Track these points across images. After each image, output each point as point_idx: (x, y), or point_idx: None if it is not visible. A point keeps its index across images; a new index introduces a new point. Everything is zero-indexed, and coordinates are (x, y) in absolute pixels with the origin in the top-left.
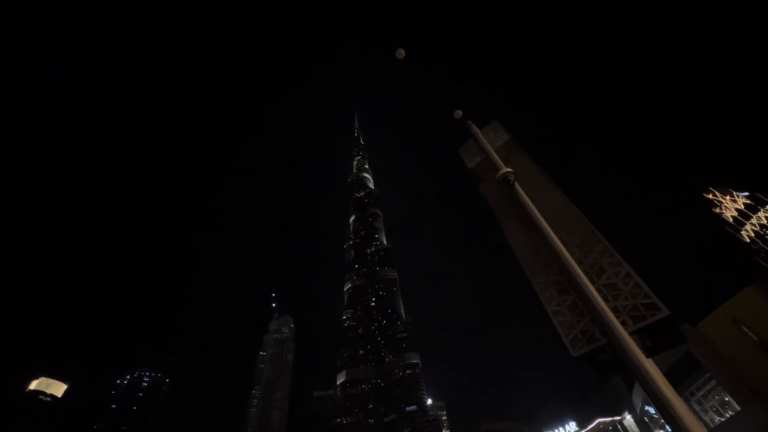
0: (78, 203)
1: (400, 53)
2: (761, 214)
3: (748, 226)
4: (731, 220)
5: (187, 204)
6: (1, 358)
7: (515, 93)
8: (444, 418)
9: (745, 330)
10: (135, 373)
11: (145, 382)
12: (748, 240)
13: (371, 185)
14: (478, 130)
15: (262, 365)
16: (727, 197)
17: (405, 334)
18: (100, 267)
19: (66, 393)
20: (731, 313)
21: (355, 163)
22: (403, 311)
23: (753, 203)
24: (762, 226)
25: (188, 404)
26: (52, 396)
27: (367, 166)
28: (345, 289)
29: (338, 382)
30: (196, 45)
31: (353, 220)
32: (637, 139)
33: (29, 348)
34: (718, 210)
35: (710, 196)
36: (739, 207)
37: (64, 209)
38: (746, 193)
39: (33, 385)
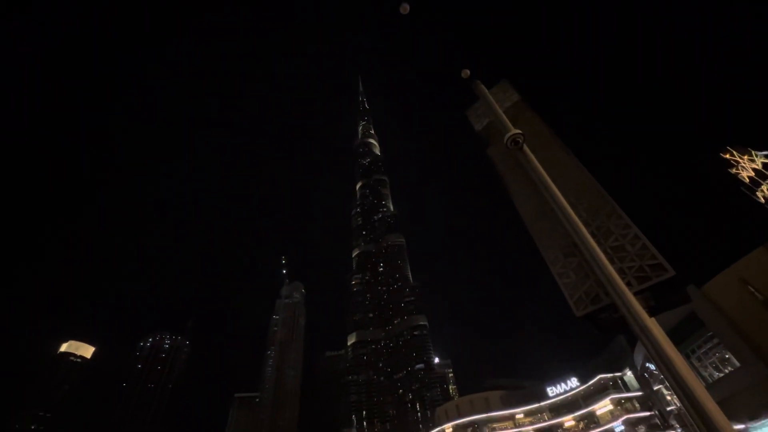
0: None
1: (405, 8)
2: None
3: (764, 187)
4: (747, 180)
5: (196, 182)
6: (32, 323)
7: (524, 50)
8: (450, 375)
9: (752, 290)
10: (156, 336)
11: (167, 344)
12: (763, 201)
13: (377, 151)
14: (486, 91)
15: (275, 328)
16: (745, 156)
17: (412, 298)
18: (121, 240)
19: (94, 354)
20: (739, 274)
21: (360, 128)
22: (410, 275)
23: None
24: None
25: (208, 364)
26: (81, 357)
27: (372, 132)
28: (353, 255)
29: (349, 343)
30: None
31: (360, 187)
32: (653, 96)
33: (56, 313)
34: (734, 170)
35: (727, 155)
36: (756, 166)
37: (108, 170)
38: (766, 152)
39: (63, 348)
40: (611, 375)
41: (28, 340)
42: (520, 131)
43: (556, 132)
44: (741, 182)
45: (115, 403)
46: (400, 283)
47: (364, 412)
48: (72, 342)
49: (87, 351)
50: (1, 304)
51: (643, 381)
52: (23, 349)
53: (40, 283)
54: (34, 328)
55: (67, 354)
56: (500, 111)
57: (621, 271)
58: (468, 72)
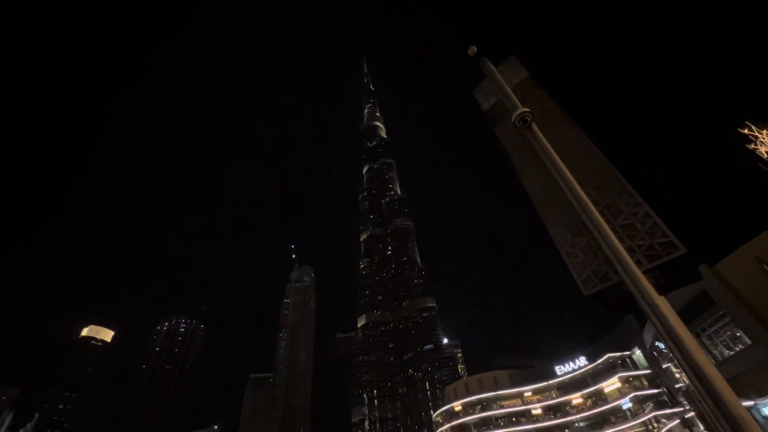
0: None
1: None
2: None
3: None
4: (766, 155)
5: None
6: (54, 310)
7: (534, 25)
8: (459, 355)
9: (767, 268)
10: (172, 320)
11: (182, 328)
12: None
13: (383, 134)
14: (493, 68)
15: (287, 312)
16: (764, 131)
17: (420, 280)
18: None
19: (114, 338)
20: (754, 252)
21: (366, 111)
22: (418, 258)
23: None
24: None
25: (224, 347)
26: (102, 341)
27: (378, 114)
28: (361, 239)
29: (359, 325)
30: None
31: (366, 171)
32: (667, 69)
33: (77, 300)
34: (752, 146)
35: (745, 130)
36: None
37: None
38: None
39: (84, 332)
40: (619, 354)
41: (52, 326)
42: (528, 109)
43: (565, 110)
44: (759, 158)
45: (136, 384)
46: (408, 266)
47: (375, 392)
48: (92, 326)
49: (107, 335)
50: (24, 293)
51: (652, 359)
52: (47, 334)
53: (60, 271)
54: (57, 314)
55: (88, 338)
56: (508, 89)
57: (630, 250)
58: (475, 49)
